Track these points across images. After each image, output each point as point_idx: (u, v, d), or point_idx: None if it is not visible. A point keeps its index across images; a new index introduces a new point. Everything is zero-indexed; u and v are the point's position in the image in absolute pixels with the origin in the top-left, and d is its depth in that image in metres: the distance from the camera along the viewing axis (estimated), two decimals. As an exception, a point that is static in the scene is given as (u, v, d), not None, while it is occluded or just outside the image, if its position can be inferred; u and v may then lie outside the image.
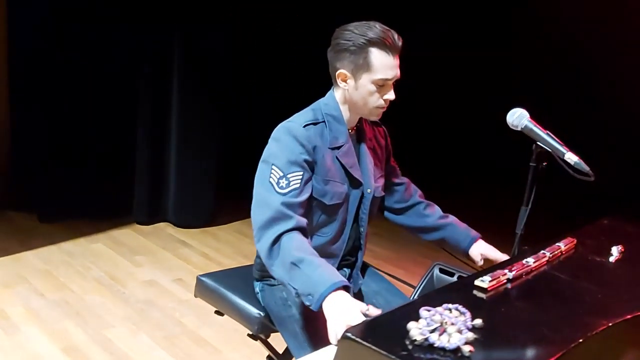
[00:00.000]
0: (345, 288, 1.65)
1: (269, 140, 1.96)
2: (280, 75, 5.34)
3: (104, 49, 4.45)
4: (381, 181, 2.18)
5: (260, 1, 5.11)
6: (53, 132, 4.50)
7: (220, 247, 4.48)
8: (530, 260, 1.76)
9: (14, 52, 4.52)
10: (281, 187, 1.83)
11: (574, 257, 1.93)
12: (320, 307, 1.63)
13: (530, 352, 1.30)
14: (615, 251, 2.02)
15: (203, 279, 2.34)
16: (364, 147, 2.10)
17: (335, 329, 1.55)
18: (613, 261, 1.96)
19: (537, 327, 1.38)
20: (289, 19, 5.22)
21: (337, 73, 1.93)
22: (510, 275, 1.64)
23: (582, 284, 1.70)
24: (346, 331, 1.27)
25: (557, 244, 1.97)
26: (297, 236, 1.77)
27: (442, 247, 2.38)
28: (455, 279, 2.76)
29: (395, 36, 1.88)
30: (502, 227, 2.98)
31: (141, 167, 4.65)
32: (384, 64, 1.86)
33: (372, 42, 1.85)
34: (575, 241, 2.03)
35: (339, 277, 1.66)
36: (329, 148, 1.96)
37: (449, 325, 1.27)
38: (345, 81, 1.93)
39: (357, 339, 1.22)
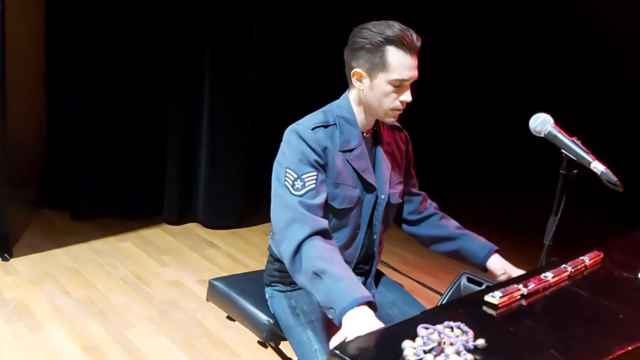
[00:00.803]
0: (370, 304, 1.58)
1: (281, 143, 1.92)
2: (308, 76, 5.27)
3: (137, 50, 4.48)
4: (399, 187, 2.10)
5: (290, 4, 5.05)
6: (86, 132, 4.55)
7: (247, 249, 4.45)
8: (549, 275, 1.65)
9: (52, 54, 4.59)
10: (297, 189, 1.80)
11: (598, 272, 1.82)
12: (339, 319, 1.57)
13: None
14: (645, 267, 1.89)
15: (215, 283, 2.30)
16: (380, 151, 2.02)
17: (341, 335, 1.50)
18: (630, 274, 1.84)
19: (546, 349, 1.28)
20: (319, 22, 5.16)
21: (352, 72, 1.87)
22: (524, 291, 1.54)
23: (603, 302, 1.59)
24: (335, 348, 1.20)
25: (581, 257, 1.85)
26: (318, 243, 1.72)
27: (457, 259, 2.27)
28: (483, 288, 2.67)
29: (414, 36, 1.81)
30: (529, 237, 2.87)
31: (172, 167, 4.66)
32: (401, 64, 1.79)
33: (389, 41, 1.78)
34: (602, 255, 1.91)
35: (362, 292, 1.59)
36: (340, 151, 1.90)
37: (447, 345, 1.19)
38: (360, 81, 1.86)
39: (345, 358, 1.15)
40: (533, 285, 1.57)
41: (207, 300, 2.34)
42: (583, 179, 1.96)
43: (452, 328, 1.27)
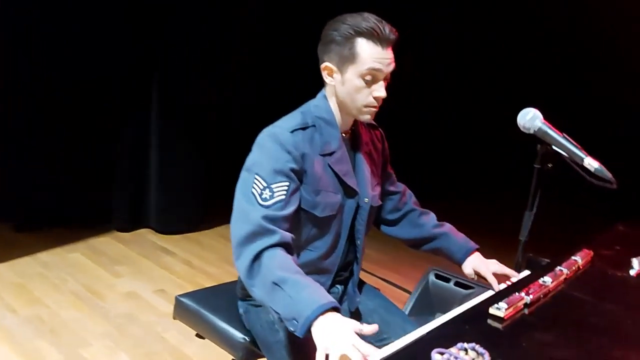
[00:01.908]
0: (335, 309, 1.43)
1: (253, 147, 1.76)
2: (268, 75, 5.11)
3: (84, 56, 4.21)
4: (378, 189, 2.00)
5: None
6: (28, 138, 4.24)
7: (205, 254, 4.26)
8: (547, 280, 1.57)
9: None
10: (264, 199, 1.64)
11: (592, 272, 1.75)
12: (307, 332, 1.41)
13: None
14: (637, 263, 1.84)
15: (182, 299, 2.13)
16: (359, 153, 1.91)
17: (321, 354, 1.33)
18: (635, 275, 1.78)
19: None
20: (276, 18, 5.01)
21: (322, 67, 1.76)
22: (527, 299, 1.45)
23: (607, 307, 1.51)
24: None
25: (573, 257, 1.79)
26: (280, 253, 1.57)
27: (437, 256, 2.18)
28: (452, 284, 2.59)
29: (387, 28, 1.69)
30: (505, 234, 2.82)
31: (121, 171, 4.42)
32: (371, 55, 1.67)
33: (359, 32, 1.67)
34: (592, 254, 1.85)
35: (327, 298, 1.44)
36: (320, 155, 1.77)
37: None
38: (331, 75, 1.75)
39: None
40: (534, 292, 1.48)
41: (174, 319, 2.17)
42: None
43: (466, 350, 1.16)
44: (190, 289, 3.64)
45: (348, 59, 1.69)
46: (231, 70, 4.75)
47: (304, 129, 1.75)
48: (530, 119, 1.69)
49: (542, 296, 1.50)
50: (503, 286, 1.78)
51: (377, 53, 1.68)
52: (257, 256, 1.56)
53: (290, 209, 1.67)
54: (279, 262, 1.55)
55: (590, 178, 1.68)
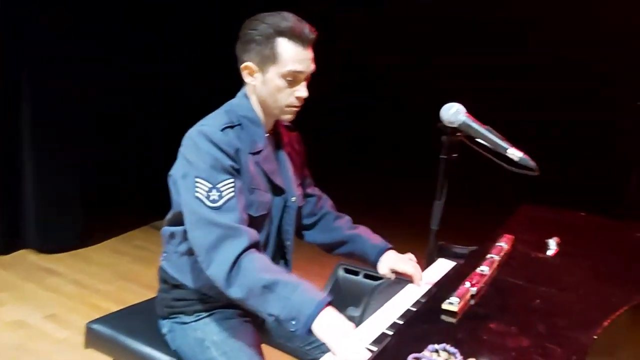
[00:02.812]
0: (329, 303, 1.48)
1: (181, 152, 1.68)
2: (152, 79, 4.85)
3: None
4: (301, 190, 1.96)
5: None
6: None
7: (95, 271, 3.97)
8: (485, 269, 1.60)
9: None
10: (213, 201, 1.58)
11: (517, 257, 1.81)
12: (309, 330, 1.44)
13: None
14: (553, 244, 1.92)
15: (94, 326, 1.95)
16: (282, 153, 1.88)
17: (342, 350, 1.36)
18: (552, 255, 1.86)
19: (529, 354, 1.20)
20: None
21: (242, 66, 1.72)
22: (473, 290, 1.46)
23: (541, 289, 1.56)
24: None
25: (498, 244, 1.83)
26: (257, 256, 1.56)
27: (353, 260, 2.17)
28: (361, 277, 2.60)
29: (307, 28, 1.68)
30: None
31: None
32: (293, 56, 1.65)
33: (280, 32, 1.65)
34: (514, 238, 1.91)
35: (321, 294, 1.48)
36: (249, 153, 1.72)
37: (446, 375, 1.05)
38: (252, 75, 1.72)
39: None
40: (477, 282, 1.49)
41: (87, 348, 1.98)
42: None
43: (437, 351, 1.13)
44: (84, 311, 3.40)
45: (269, 59, 1.66)
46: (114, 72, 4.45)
47: (231, 127, 1.70)
48: (453, 113, 1.70)
49: (483, 285, 1.51)
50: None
51: (299, 53, 1.66)
52: (235, 262, 1.52)
53: (242, 205, 1.63)
54: (261, 265, 1.54)
55: (510, 167, 1.73)
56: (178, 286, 1.83)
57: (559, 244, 1.91)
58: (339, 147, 6.51)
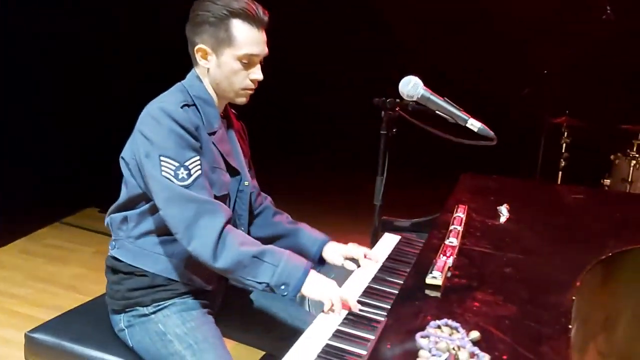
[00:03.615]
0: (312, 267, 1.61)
1: (138, 130, 1.59)
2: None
3: None
4: (251, 177, 1.90)
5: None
6: None
7: (6, 275, 3.66)
8: (453, 240, 1.60)
9: None
10: (182, 179, 1.55)
11: (476, 225, 1.84)
12: (298, 292, 1.55)
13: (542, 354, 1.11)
14: (504, 211, 1.97)
15: (35, 335, 1.78)
16: (233, 136, 1.83)
17: (335, 299, 1.50)
18: (505, 221, 1.91)
19: (522, 321, 1.21)
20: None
21: (195, 49, 1.66)
22: (449, 262, 1.45)
23: (509, 256, 1.59)
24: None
25: (456, 214, 1.84)
26: (235, 230, 1.60)
27: None
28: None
29: (260, 9, 1.65)
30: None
31: None
32: (248, 38, 1.63)
33: (234, 14, 1.61)
34: (467, 207, 1.93)
35: (304, 260, 1.61)
36: (207, 133, 1.67)
37: (459, 351, 1.02)
38: (205, 58, 1.67)
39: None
40: (450, 254, 1.49)
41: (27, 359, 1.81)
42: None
43: (439, 327, 1.11)
44: (1, 319, 3.13)
45: (224, 41, 1.62)
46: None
47: (188, 105, 1.64)
48: (412, 86, 1.68)
49: (455, 256, 1.51)
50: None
51: (254, 36, 1.64)
52: (219, 236, 1.53)
53: (207, 184, 1.61)
54: (243, 239, 1.58)
55: (458, 140, 1.74)
56: (133, 274, 1.72)
57: (509, 211, 1.95)
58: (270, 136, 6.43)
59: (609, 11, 3.91)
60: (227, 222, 1.56)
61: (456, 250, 1.54)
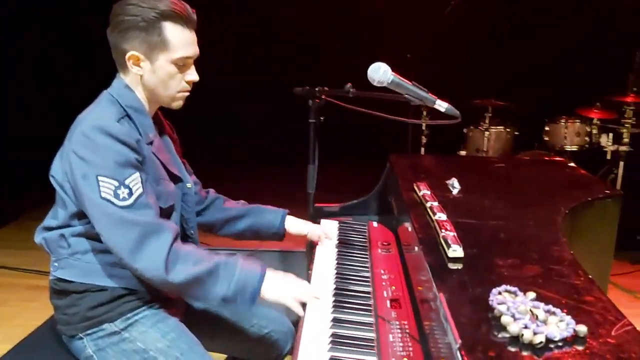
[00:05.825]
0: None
1: (73, 149, 1.49)
2: None
3: None
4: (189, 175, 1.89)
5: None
6: None
7: None
8: (442, 216, 1.65)
9: None
10: (123, 199, 1.46)
11: (443, 200, 1.88)
12: (256, 299, 1.57)
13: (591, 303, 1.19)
14: (456, 183, 2.05)
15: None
16: (168, 140, 1.79)
17: (292, 297, 1.57)
18: (459, 194, 1.99)
19: (549, 278, 1.30)
20: None
21: (127, 56, 1.58)
22: (451, 234, 1.50)
23: (493, 224, 1.69)
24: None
25: (422, 192, 1.89)
26: (184, 246, 1.56)
27: (253, 236, 2.10)
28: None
29: (189, 8, 1.61)
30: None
31: None
32: (182, 40, 1.59)
33: (164, 16, 1.55)
34: (426, 183, 1.99)
35: (257, 265, 1.60)
36: (146, 144, 1.60)
37: (537, 310, 1.07)
38: (138, 65, 1.60)
39: None
40: (450, 228, 1.53)
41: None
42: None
43: (500, 293, 1.15)
44: None
45: (158, 45, 1.56)
46: None
47: (122, 118, 1.55)
48: (383, 73, 1.71)
49: (449, 228, 1.56)
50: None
51: (187, 38, 1.60)
52: (167, 258, 1.48)
53: (152, 199, 1.53)
54: (194, 253, 1.55)
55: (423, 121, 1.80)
56: (88, 291, 1.60)
57: (459, 183, 2.05)
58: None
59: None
60: (175, 239, 1.52)
61: (448, 222, 1.59)
